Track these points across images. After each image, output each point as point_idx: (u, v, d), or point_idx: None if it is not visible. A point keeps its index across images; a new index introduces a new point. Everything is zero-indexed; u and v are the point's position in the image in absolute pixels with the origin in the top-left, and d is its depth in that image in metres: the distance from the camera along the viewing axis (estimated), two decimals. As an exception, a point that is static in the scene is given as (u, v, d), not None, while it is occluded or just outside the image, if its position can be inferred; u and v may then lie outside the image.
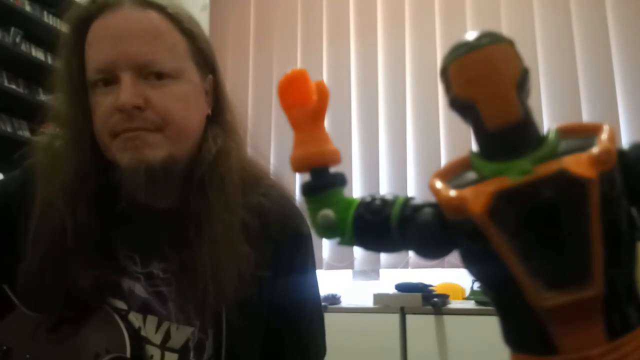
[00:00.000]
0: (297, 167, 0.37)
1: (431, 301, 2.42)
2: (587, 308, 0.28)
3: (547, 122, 2.81)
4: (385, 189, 3.08)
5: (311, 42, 3.45)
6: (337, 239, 0.36)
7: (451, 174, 0.33)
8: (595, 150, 0.28)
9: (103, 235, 0.73)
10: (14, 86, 2.99)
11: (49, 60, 3.17)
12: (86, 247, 0.71)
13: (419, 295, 2.45)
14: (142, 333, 0.74)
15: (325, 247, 3.10)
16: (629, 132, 2.69)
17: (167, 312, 0.75)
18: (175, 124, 0.72)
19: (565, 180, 0.28)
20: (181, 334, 0.75)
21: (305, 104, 0.37)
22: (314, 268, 0.88)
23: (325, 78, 3.31)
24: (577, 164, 0.28)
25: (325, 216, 0.36)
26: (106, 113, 0.70)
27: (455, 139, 2.94)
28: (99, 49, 0.72)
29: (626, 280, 0.29)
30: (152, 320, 0.74)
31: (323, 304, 2.57)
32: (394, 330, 2.42)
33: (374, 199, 0.35)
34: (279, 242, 0.80)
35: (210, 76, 0.80)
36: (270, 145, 3.39)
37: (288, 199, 0.85)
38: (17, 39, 3.01)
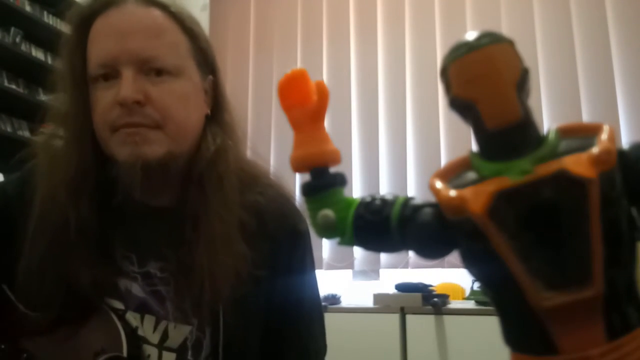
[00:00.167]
0: (297, 167, 0.37)
1: (431, 301, 2.42)
2: (587, 308, 0.28)
3: (547, 122, 2.81)
4: (385, 189, 3.08)
5: (311, 42, 3.45)
6: (337, 239, 0.36)
7: (451, 174, 0.33)
8: (595, 150, 0.28)
9: (101, 233, 0.74)
10: (14, 86, 2.99)
11: (49, 60, 3.17)
12: (87, 243, 0.71)
13: (419, 295, 2.45)
14: (140, 333, 0.74)
15: (325, 247, 3.10)
16: (629, 132, 2.69)
17: (164, 312, 0.75)
18: (174, 122, 0.72)
19: (565, 180, 0.28)
20: (179, 333, 0.75)
21: (305, 104, 0.37)
22: (312, 266, 0.88)
23: (325, 78, 3.31)
24: (577, 164, 0.28)
25: (325, 216, 0.36)
26: (106, 107, 0.70)
27: (455, 139, 2.94)
28: (102, 45, 0.72)
29: (626, 280, 0.29)
30: (149, 320, 0.74)
31: (323, 304, 2.57)
32: (394, 330, 2.42)
33: (374, 199, 0.35)
34: (277, 240, 0.81)
35: (210, 76, 0.81)
36: (270, 145, 3.39)
37: (286, 198, 0.86)
38: (17, 39, 3.01)
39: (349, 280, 3.09)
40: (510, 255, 0.28)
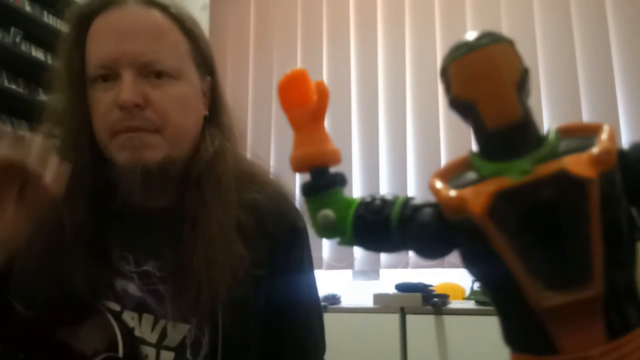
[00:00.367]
0: (297, 167, 0.37)
1: (431, 301, 2.42)
2: (587, 308, 0.28)
3: (547, 122, 2.81)
4: (385, 189, 3.08)
5: (311, 42, 3.45)
6: (337, 239, 0.36)
7: (451, 174, 0.33)
8: (595, 150, 0.28)
9: (97, 234, 0.73)
10: (14, 86, 2.99)
11: (49, 60, 3.16)
12: (82, 243, 0.71)
13: (419, 295, 2.45)
14: (137, 333, 0.73)
15: (325, 247, 3.10)
16: (629, 132, 2.69)
17: (163, 310, 0.75)
18: (173, 125, 0.72)
19: (565, 180, 0.28)
20: (177, 332, 0.75)
21: (305, 104, 0.37)
22: (310, 264, 0.88)
23: (325, 78, 3.31)
24: (577, 164, 0.28)
25: (325, 216, 0.36)
26: (106, 109, 0.70)
27: (455, 139, 2.94)
28: (101, 45, 0.72)
29: (626, 280, 0.29)
30: (147, 319, 0.74)
31: (323, 304, 2.58)
32: (394, 330, 2.42)
33: (374, 199, 0.35)
34: (275, 239, 0.81)
35: (208, 78, 0.81)
36: (270, 145, 3.39)
37: (283, 195, 0.86)
38: (17, 39, 3.01)
39: (349, 280, 3.09)
40: (510, 255, 0.28)
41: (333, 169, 0.37)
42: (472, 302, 2.52)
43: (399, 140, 3.10)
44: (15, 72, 3.04)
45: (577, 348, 0.28)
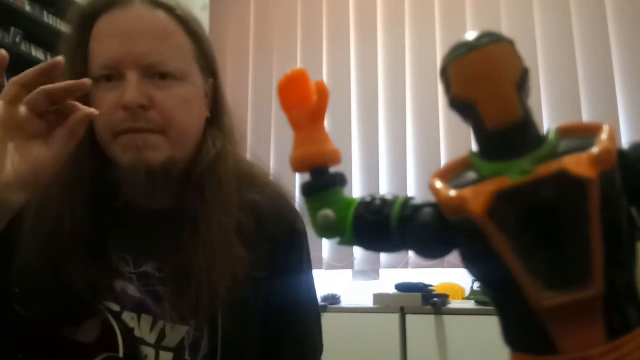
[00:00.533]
0: (297, 167, 0.37)
1: (431, 301, 2.42)
2: (587, 308, 0.28)
3: (547, 122, 2.81)
4: (385, 189, 3.08)
5: (311, 42, 3.45)
6: (337, 239, 0.36)
7: (451, 174, 0.33)
8: (595, 150, 0.28)
9: (97, 236, 0.73)
10: (14, 86, 2.99)
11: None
12: (81, 244, 0.71)
13: (419, 295, 2.45)
14: (137, 333, 0.73)
15: (325, 247, 3.10)
16: (629, 132, 2.69)
17: (161, 311, 0.75)
18: (177, 126, 0.72)
19: (565, 180, 0.28)
20: (176, 333, 0.75)
21: (305, 104, 0.37)
22: (309, 265, 0.88)
23: (325, 78, 3.31)
24: (577, 164, 0.28)
25: (325, 216, 0.36)
26: (109, 110, 0.70)
27: (455, 139, 2.94)
28: (106, 45, 0.72)
29: (626, 280, 0.29)
30: (146, 320, 0.74)
31: (323, 304, 2.59)
32: (394, 330, 2.42)
33: (374, 199, 0.35)
34: (275, 240, 0.81)
35: (211, 80, 0.81)
36: (270, 145, 3.39)
37: (283, 197, 0.86)
38: (17, 39, 3.01)
39: (349, 280, 3.09)
40: (510, 255, 0.28)
41: (333, 169, 0.37)
42: (472, 302, 2.52)
43: (399, 140, 3.10)
44: (15, 72, 3.02)
45: (577, 348, 0.28)
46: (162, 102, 0.71)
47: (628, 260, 0.29)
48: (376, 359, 2.43)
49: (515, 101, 0.30)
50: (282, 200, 0.86)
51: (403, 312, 2.44)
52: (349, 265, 3.06)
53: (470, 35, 0.30)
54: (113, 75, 0.71)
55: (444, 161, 2.94)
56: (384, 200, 0.35)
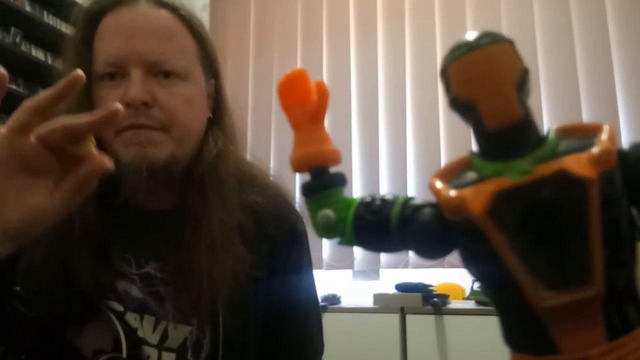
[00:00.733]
0: (297, 167, 0.37)
1: (431, 301, 2.42)
2: (587, 308, 0.28)
3: (547, 122, 2.81)
4: (385, 189, 3.08)
5: (311, 42, 3.45)
6: (337, 239, 0.36)
7: (451, 174, 0.33)
8: (595, 150, 0.28)
9: (100, 236, 0.73)
10: (14, 86, 2.99)
11: (49, 60, 3.17)
12: (89, 243, 0.71)
13: (419, 295, 2.45)
14: (139, 334, 0.73)
15: (325, 247, 3.10)
16: (629, 132, 2.69)
17: (164, 312, 0.75)
18: (180, 124, 0.73)
19: (565, 181, 0.28)
20: (179, 333, 0.75)
21: (305, 104, 0.37)
22: (310, 266, 0.89)
23: (325, 78, 3.31)
24: (577, 164, 0.28)
25: (325, 216, 0.36)
26: None
27: (455, 139, 2.94)
28: (111, 43, 0.72)
29: (626, 280, 0.29)
30: (149, 320, 0.74)
31: (323, 304, 2.59)
32: (394, 330, 2.42)
33: (374, 199, 0.35)
34: (275, 240, 0.81)
35: (213, 80, 0.82)
36: (270, 145, 3.39)
37: (283, 197, 0.86)
38: (17, 39, 3.01)
39: (349, 280, 3.09)
40: (510, 255, 0.28)
41: (333, 169, 0.37)
42: (472, 302, 2.52)
43: (399, 140, 3.10)
44: (15, 72, 3.04)
45: (577, 348, 0.28)
46: (164, 100, 0.71)
47: (628, 260, 0.29)
48: (376, 359, 2.43)
49: (515, 101, 0.30)
50: (282, 201, 0.86)
51: (403, 312, 2.44)
52: (349, 265, 3.06)
53: (470, 35, 0.30)
54: (117, 73, 0.72)
55: (444, 161, 2.94)
56: (384, 200, 0.35)
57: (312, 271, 0.90)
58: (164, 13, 0.75)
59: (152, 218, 0.78)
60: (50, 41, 3.12)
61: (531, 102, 0.31)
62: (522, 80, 0.30)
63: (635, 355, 0.28)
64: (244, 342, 0.78)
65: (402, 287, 2.59)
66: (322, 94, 0.37)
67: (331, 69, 3.36)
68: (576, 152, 0.29)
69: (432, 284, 2.64)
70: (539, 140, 0.30)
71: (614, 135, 0.29)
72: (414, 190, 3.02)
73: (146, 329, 0.74)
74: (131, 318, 0.74)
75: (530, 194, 0.29)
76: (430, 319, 2.37)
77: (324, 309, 2.57)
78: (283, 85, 0.38)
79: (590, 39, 2.81)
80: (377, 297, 2.56)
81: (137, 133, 0.70)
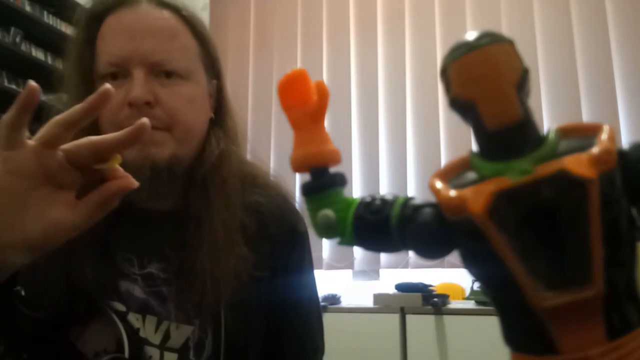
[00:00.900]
0: (297, 167, 0.37)
1: (431, 301, 2.42)
2: (587, 308, 0.28)
3: (547, 122, 2.81)
4: (385, 189, 3.08)
5: (311, 42, 3.45)
6: (337, 239, 0.36)
7: (451, 174, 0.33)
8: (595, 150, 0.28)
9: (103, 236, 0.73)
10: (14, 86, 2.99)
11: (49, 60, 3.17)
12: (92, 243, 0.71)
13: (419, 295, 2.45)
14: (141, 334, 0.73)
15: (325, 247, 3.10)
16: (629, 132, 2.69)
17: (166, 312, 0.75)
18: (182, 124, 0.73)
19: (565, 181, 0.28)
20: (181, 334, 0.75)
21: (305, 104, 0.37)
22: (311, 266, 0.89)
23: (325, 78, 3.31)
24: (577, 164, 0.28)
25: (325, 216, 0.36)
26: (115, 107, 0.70)
27: (455, 139, 2.94)
28: (114, 43, 0.73)
29: (626, 280, 0.29)
30: (151, 320, 0.74)
31: (323, 304, 2.59)
32: (394, 330, 2.42)
33: (374, 199, 0.35)
34: (277, 241, 0.81)
35: (215, 81, 0.82)
36: (270, 145, 3.39)
37: (285, 197, 0.86)
38: (17, 39, 3.01)
39: (349, 280, 3.09)
40: (510, 256, 0.28)
41: (333, 169, 0.37)
42: (472, 302, 2.52)
43: (399, 140, 3.10)
44: (15, 72, 3.04)
45: (577, 348, 0.28)
46: (167, 100, 0.72)
47: (628, 260, 0.29)
48: (376, 359, 2.43)
49: (515, 101, 0.30)
50: (283, 201, 0.86)
51: (403, 312, 2.44)
52: (349, 265, 3.06)
53: (470, 35, 0.30)
54: (119, 73, 0.72)
55: (444, 161, 2.94)
56: (384, 200, 0.35)
57: (313, 271, 0.90)
58: (166, 13, 0.75)
59: (155, 218, 0.78)
60: (50, 41, 3.12)
61: (531, 102, 0.31)
62: (522, 80, 0.30)
63: (635, 355, 0.28)
64: (245, 342, 0.78)
65: (402, 287, 2.59)
66: (322, 94, 0.37)
67: (331, 69, 3.36)
68: (576, 152, 0.29)
69: (432, 284, 2.64)
70: (539, 140, 0.30)
71: (614, 135, 0.29)
72: (414, 190, 3.02)
73: (148, 329, 0.74)
74: (133, 318, 0.74)
75: (530, 194, 0.29)
76: (430, 319, 2.37)
77: (324, 309, 2.57)
78: (283, 85, 0.38)
79: (590, 39, 2.81)
80: (377, 297, 2.56)
81: None
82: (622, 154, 0.29)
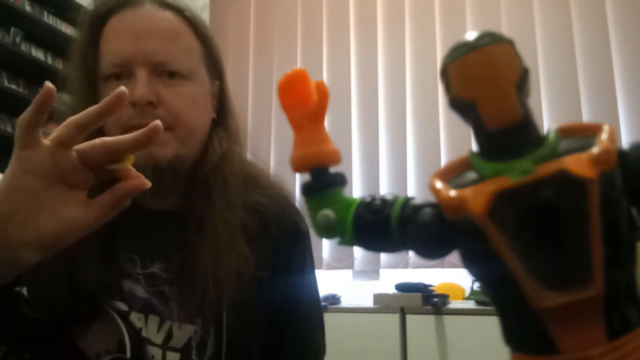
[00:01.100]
0: (297, 167, 0.37)
1: (431, 301, 2.42)
2: (587, 308, 0.28)
3: (547, 122, 2.81)
4: (385, 189, 3.08)
5: (311, 42, 3.45)
6: (337, 239, 0.36)
7: (451, 174, 0.33)
8: (595, 150, 0.28)
9: (107, 235, 0.73)
10: (14, 86, 2.99)
11: (49, 60, 3.17)
12: (95, 243, 0.71)
13: (419, 295, 2.45)
14: (144, 334, 0.74)
15: (325, 247, 3.10)
16: (629, 132, 2.69)
17: (168, 312, 0.75)
18: (185, 124, 0.73)
19: (565, 181, 0.28)
20: (183, 333, 0.75)
21: (305, 104, 0.37)
22: (312, 266, 0.89)
23: (325, 78, 3.31)
24: (577, 164, 0.28)
25: (325, 216, 0.36)
26: None
27: (455, 139, 2.94)
28: (117, 44, 0.73)
29: (626, 280, 0.29)
30: (153, 320, 0.74)
31: (323, 304, 2.58)
32: (394, 330, 2.42)
33: (374, 199, 0.35)
34: (278, 241, 0.81)
35: (217, 81, 0.83)
36: (270, 145, 3.39)
37: (286, 198, 0.87)
38: (17, 39, 3.01)
39: (349, 280, 3.09)
40: (510, 256, 0.28)
41: (333, 169, 0.37)
42: (472, 302, 2.52)
43: (399, 140, 3.10)
44: (15, 72, 3.04)
45: (577, 348, 0.28)
46: (169, 100, 0.72)
47: (628, 260, 0.29)
48: (376, 359, 2.43)
49: (515, 101, 0.30)
50: (285, 202, 0.86)
51: (403, 312, 2.44)
52: (349, 265, 3.06)
53: (470, 35, 0.30)
54: (122, 73, 0.72)
55: (444, 161, 2.94)
56: (384, 200, 0.35)
57: (314, 271, 0.90)
58: (169, 14, 0.76)
59: (157, 218, 0.78)
60: (50, 41, 3.12)
61: (531, 102, 0.31)
62: (522, 80, 0.30)
63: (635, 355, 0.28)
64: (247, 341, 0.78)
65: (402, 287, 2.59)
66: (322, 94, 0.37)
67: (331, 69, 3.36)
68: (576, 152, 0.29)
69: (432, 284, 2.64)
70: (539, 140, 0.30)
71: (614, 135, 0.29)
72: (414, 190, 3.02)
73: (150, 329, 0.74)
74: (135, 318, 0.74)
75: (530, 194, 0.29)
76: (430, 319, 2.37)
77: (324, 309, 2.57)
78: (283, 85, 0.38)
79: (590, 39, 2.81)
80: (377, 297, 2.56)
81: None
82: (622, 154, 0.29)
